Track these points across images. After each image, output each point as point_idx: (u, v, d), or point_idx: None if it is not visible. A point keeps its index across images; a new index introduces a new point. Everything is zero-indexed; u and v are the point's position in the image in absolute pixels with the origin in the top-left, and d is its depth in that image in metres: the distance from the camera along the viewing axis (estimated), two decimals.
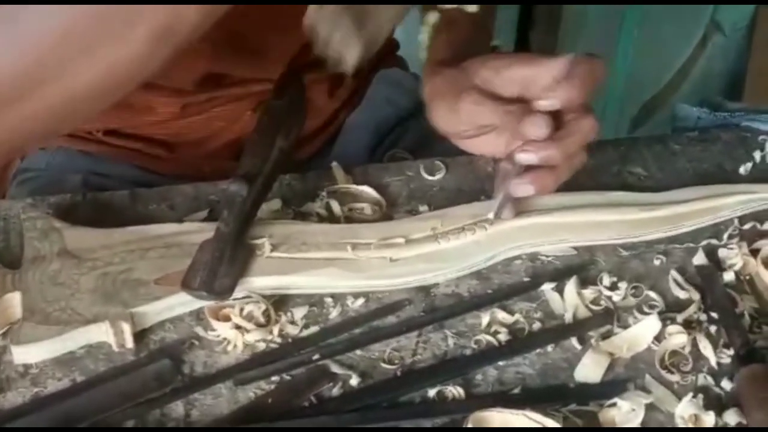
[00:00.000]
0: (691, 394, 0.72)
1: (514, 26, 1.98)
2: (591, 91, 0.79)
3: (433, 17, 0.93)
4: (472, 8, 0.89)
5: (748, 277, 0.82)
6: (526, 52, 0.86)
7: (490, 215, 0.82)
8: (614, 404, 0.72)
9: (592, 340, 0.77)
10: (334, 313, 0.79)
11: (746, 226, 0.86)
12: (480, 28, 0.96)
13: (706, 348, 0.76)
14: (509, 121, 0.80)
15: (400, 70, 1.13)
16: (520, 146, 0.79)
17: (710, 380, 0.74)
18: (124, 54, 0.64)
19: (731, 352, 0.76)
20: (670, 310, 0.79)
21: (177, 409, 0.72)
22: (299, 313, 0.78)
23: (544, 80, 0.78)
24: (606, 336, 0.77)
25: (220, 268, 0.77)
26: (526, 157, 0.78)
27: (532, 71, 0.79)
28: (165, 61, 0.67)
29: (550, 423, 0.69)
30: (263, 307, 0.77)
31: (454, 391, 0.73)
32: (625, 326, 0.77)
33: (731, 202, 0.87)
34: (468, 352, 0.76)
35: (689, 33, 2.10)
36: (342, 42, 0.69)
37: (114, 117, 0.99)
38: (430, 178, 0.91)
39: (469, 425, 0.69)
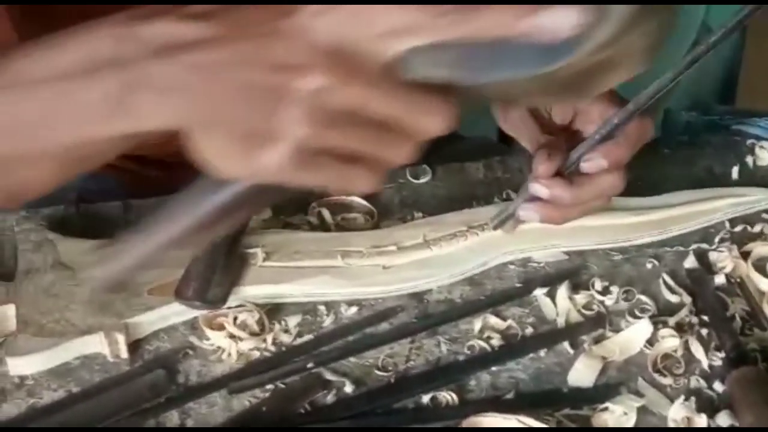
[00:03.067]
0: (683, 397, 0.73)
1: None
2: (633, 152, 0.77)
3: None
4: None
5: (738, 280, 0.83)
6: None
7: (489, 223, 0.83)
8: (607, 408, 0.72)
9: (585, 345, 0.77)
10: (327, 321, 0.79)
11: (737, 229, 0.87)
12: None
13: (697, 351, 0.76)
14: (533, 142, 0.79)
15: None
16: (535, 175, 0.77)
17: (702, 383, 0.75)
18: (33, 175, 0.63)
19: (723, 354, 0.76)
20: (662, 313, 0.79)
21: (172, 418, 0.72)
22: (293, 321, 0.79)
23: (594, 118, 0.77)
24: (598, 340, 0.77)
25: (214, 278, 0.77)
26: (536, 189, 0.77)
27: (586, 105, 0.77)
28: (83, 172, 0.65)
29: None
30: (257, 315, 0.78)
31: (448, 396, 0.73)
32: (617, 330, 0.78)
33: (721, 206, 0.87)
34: (461, 357, 0.77)
35: (681, 38, 2.11)
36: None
37: None
38: (416, 181, 0.92)
39: None
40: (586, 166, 0.76)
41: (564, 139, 0.78)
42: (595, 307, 0.80)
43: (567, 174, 0.76)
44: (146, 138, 0.58)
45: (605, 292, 0.81)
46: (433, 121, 0.55)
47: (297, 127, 0.53)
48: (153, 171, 1.02)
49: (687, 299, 0.80)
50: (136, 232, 0.63)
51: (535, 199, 0.77)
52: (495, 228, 0.82)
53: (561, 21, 0.52)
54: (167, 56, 0.54)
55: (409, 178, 0.92)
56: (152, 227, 0.62)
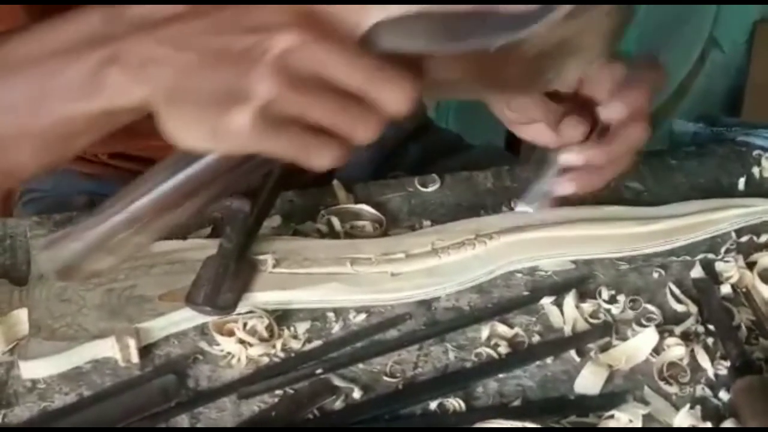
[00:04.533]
0: (688, 406, 0.73)
1: None
2: (651, 97, 0.77)
3: None
4: None
5: (744, 290, 0.83)
6: None
7: (521, 204, 0.83)
8: (613, 416, 0.73)
9: (591, 353, 0.77)
10: (336, 328, 0.80)
11: (743, 240, 0.87)
12: None
13: (703, 360, 0.77)
14: (553, 120, 0.79)
15: None
16: (566, 146, 0.78)
17: (708, 391, 0.75)
18: None
19: (728, 363, 0.76)
20: (668, 322, 0.80)
21: (182, 423, 0.73)
22: (302, 327, 0.79)
23: (603, 81, 0.77)
24: (605, 348, 0.78)
25: (224, 284, 0.78)
26: (568, 158, 0.77)
27: (593, 71, 0.77)
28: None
29: None
30: (266, 321, 0.78)
31: (455, 403, 0.74)
32: (624, 339, 0.78)
33: (728, 216, 0.88)
34: (468, 364, 0.77)
35: (688, 50, 2.11)
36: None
37: (119, 141, 1.00)
38: (424, 190, 0.92)
39: None
40: (605, 113, 0.76)
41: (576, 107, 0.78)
42: (601, 315, 0.81)
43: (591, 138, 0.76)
44: (124, 117, 0.60)
45: (612, 300, 0.82)
46: (397, 96, 0.55)
47: (265, 86, 0.53)
48: None
49: (693, 308, 0.81)
50: (91, 215, 0.62)
51: (565, 171, 0.78)
52: (526, 204, 0.82)
53: None
54: (143, 32, 0.56)
55: (418, 187, 0.93)
56: (107, 209, 0.62)
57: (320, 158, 0.57)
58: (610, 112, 0.76)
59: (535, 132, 0.83)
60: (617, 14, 0.60)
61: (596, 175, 0.79)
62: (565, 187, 0.79)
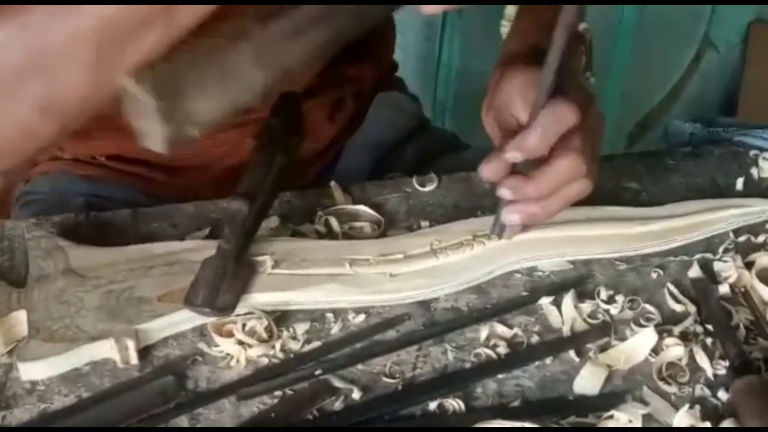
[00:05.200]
0: (688, 405, 0.73)
1: None
2: (554, 138, 0.76)
3: (510, 9, 0.91)
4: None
5: (742, 290, 0.83)
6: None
7: (490, 233, 0.84)
8: (612, 416, 0.73)
9: (590, 353, 0.78)
10: (335, 329, 0.80)
11: (741, 239, 0.88)
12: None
13: (702, 360, 0.77)
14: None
15: (399, 93, 1.14)
16: (503, 181, 0.78)
17: (707, 391, 0.75)
18: (8, 123, 0.66)
19: (727, 363, 0.77)
20: (667, 322, 0.80)
21: (181, 424, 0.73)
22: (301, 328, 0.79)
23: (525, 109, 0.77)
24: (604, 348, 0.78)
25: (223, 285, 0.78)
26: (504, 193, 0.78)
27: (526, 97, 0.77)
28: (57, 136, 0.68)
29: None
30: (265, 322, 0.78)
31: (455, 404, 0.74)
32: (623, 339, 0.79)
33: (725, 216, 0.88)
34: (468, 365, 0.77)
35: (683, 50, 2.12)
36: (145, 123, 0.65)
37: (115, 143, 1.00)
38: (422, 189, 0.92)
39: None
40: (506, 156, 0.76)
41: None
42: (600, 315, 0.81)
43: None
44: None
45: (610, 301, 0.82)
46: None
47: None
48: (159, 174, 1.03)
49: (692, 308, 0.81)
50: None
51: (510, 203, 0.79)
52: (498, 237, 0.83)
53: None
54: None
55: (416, 187, 0.93)
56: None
57: None
58: (508, 156, 0.76)
59: None
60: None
61: (537, 207, 0.79)
62: (511, 217, 0.80)
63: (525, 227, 0.84)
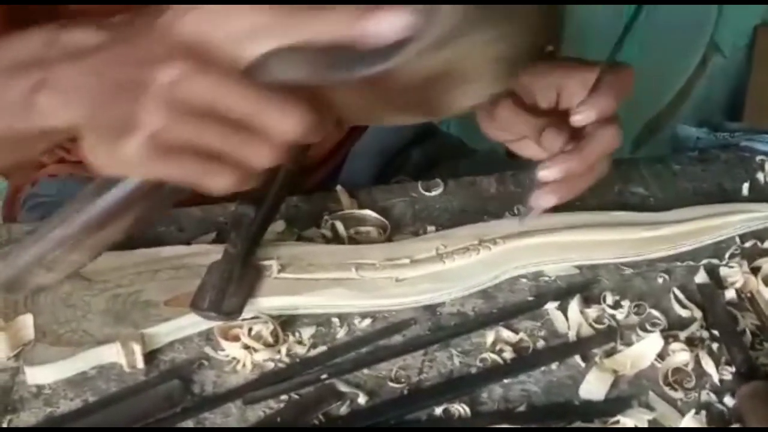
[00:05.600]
0: (694, 411, 0.73)
1: None
2: (619, 101, 0.78)
3: None
4: None
5: (749, 295, 0.83)
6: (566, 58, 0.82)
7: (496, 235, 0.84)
8: (618, 421, 0.73)
9: (596, 358, 0.78)
10: (341, 333, 0.80)
11: (747, 245, 0.87)
12: None
13: (708, 365, 0.77)
14: (536, 134, 0.80)
15: None
16: (543, 161, 0.78)
17: (713, 397, 0.75)
18: None
19: (733, 369, 0.76)
20: (673, 327, 0.80)
21: (187, 428, 0.73)
22: (307, 332, 0.79)
23: (576, 90, 0.78)
24: (610, 354, 0.78)
25: (229, 289, 0.78)
26: (546, 174, 0.78)
27: (565, 81, 0.79)
28: None
29: None
30: (271, 327, 0.78)
31: (460, 409, 0.74)
32: (629, 344, 0.78)
33: (732, 221, 0.88)
34: (473, 370, 0.77)
35: (689, 54, 2.12)
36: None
37: None
38: (428, 194, 0.92)
39: None
40: (575, 119, 0.77)
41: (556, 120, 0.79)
42: (606, 320, 0.81)
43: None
44: (63, 135, 0.63)
45: (616, 306, 0.82)
46: (287, 123, 0.57)
47: (152, 117, 0.56)
48: None
49: (698, 314, 0.81)
50: (31, 233, 0.66)
51: (545, 184, 0.79)
52: (521, 219, 0.84)
53: (387, 23, 0.55)
54: (72, 59, 0.59)
55: (422, 192, 0.93)
56: (43, 228, 0.66)
57: (216, 183, 0.59)
58: (580, 117, 0.77)
59: (522, 147, 0.83)
60: (506, 41, 0.60)
61: (574, 184, 0.79)
62: (547, 200, 0.80)
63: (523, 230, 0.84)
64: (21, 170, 1.08)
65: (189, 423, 0.73)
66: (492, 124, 0.84)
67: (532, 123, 0.80)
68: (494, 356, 0.78)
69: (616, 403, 0.74)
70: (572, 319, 0.80)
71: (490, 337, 0.79)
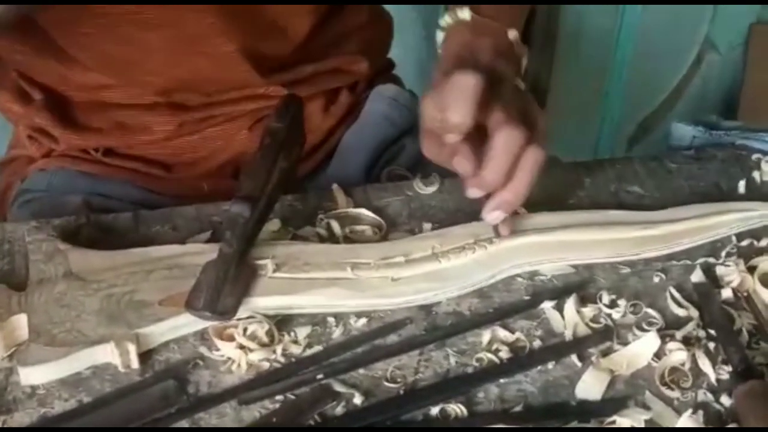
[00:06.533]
0: (690, 410, 0.73)
1: None
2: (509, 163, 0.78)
3: (443, 21, 0.91)
4: (464, 15, 0.90)
5: (745, 294, 0.83)
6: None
7: (492, 234, 0.84)
8: (615, 421, 0.72)
9: (593, 358, 0.77)
10: (336, 333, 0.79)
11: (743, 244, 0.87)
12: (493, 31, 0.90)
13: (705, 364, 0.77)
14: (450, 162, 0.81)
15: (396, 87, 1.13)
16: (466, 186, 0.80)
17: (710, 396, 0.75)
18: None
19: (730, 368, 0.76)
20: (669, 327, 0.80)
21: (182, 428, 0.72)
22: (302, 332, 0.79)
23: (450, 102, 0.78)
24: (606, 353, 0.78)
25: (224, 289, 0.78)
26: (472, 193, 0.80)
27: (440, 97, 0.79)
28: None
29: None
30: (266, 326, 0.78)
31: (457, 408, 0.74)
32: (625, 343, 0.78)
33: (728, 220, 0.88)
34: (470, 370, 0.77)
35: (684, 52, 2.12)
36: None
37: (110, 136, 1.00)
38: (423, 192, 0.92)
39: None
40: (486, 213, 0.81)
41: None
42: (602, 320, 0.81)
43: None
44: None
45: (613, 305, 0.81)
46: None
47: None
48: (156, 170, 1.03)
49: (694, 313, 0.81)
50: None
51: (486, 199, 0.80)
52: (496, 236, 0.85)
53: None
54: None
55: (417, 190, 0.93)
56: None
57: None
58: (450, 139, 0.79)
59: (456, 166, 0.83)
60: None
61: (506, 195, 0.80)
62: (492, 216, 0.81)
63: (514, 215, 0.85)
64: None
65: (184, 423, 0.73)
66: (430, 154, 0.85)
67: (444, 153, 0.82)
68: (490, 356, 0.78)
69: (613, 402, 0.74)
70: (568, 319, 0.80)
71: (486, 336, 0.79)
